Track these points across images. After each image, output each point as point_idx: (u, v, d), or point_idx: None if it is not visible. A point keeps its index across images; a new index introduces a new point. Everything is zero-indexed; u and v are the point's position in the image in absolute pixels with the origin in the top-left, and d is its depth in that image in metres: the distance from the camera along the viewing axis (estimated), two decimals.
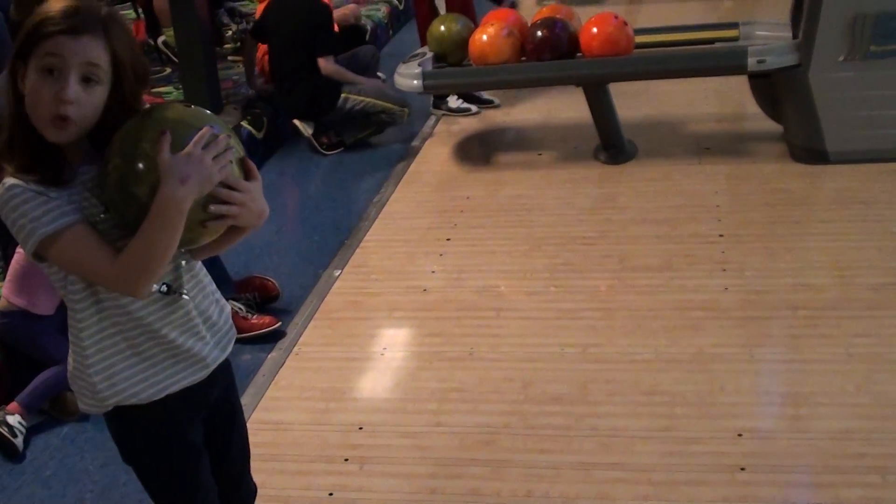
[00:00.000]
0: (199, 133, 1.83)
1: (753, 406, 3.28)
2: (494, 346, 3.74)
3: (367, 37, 7.25)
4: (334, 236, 4.77)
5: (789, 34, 5.16)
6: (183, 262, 1.99)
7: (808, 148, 5.03)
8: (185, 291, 1.99)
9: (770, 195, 4.75)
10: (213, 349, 2.09)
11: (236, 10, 7.69)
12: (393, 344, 3.91)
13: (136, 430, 2.08)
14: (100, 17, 1.85)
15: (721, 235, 4.37)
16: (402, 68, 5.43)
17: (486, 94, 6.40)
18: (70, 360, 2.04)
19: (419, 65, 5.32)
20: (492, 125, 6.18)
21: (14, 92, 1.86)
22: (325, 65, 5.81)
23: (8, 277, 3.66)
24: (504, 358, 3.66)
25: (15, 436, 3.37)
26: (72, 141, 1.86)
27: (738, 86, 5.70)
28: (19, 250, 3.58)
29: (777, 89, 5.16)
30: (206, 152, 1.82)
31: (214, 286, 2.14)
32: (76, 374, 2.03)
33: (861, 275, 3.97)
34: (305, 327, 4.00)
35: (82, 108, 1.83)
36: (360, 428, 3.34)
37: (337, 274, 4.39)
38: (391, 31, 8.31)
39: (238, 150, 1.93)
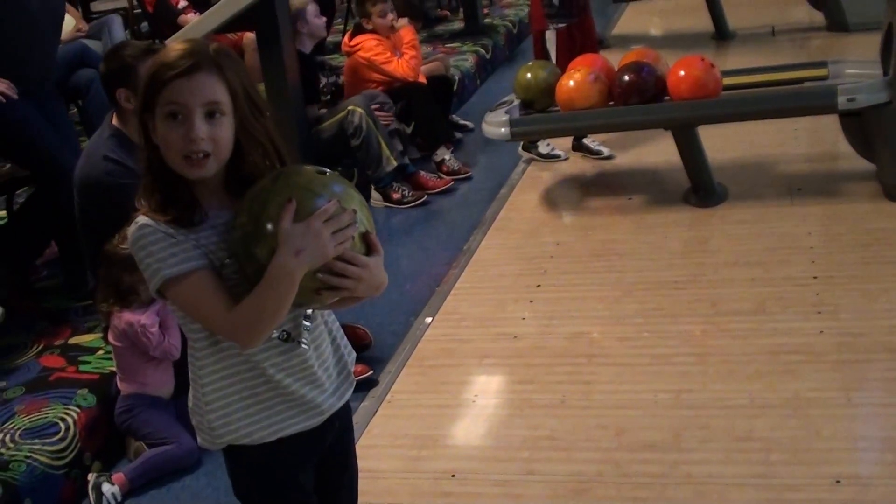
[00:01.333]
0: (324, 206, 1.89)
1: (851, 452, 3.22)
2: (586, 392, 3.73)
3: (455, 87, 7.32)
4: (425, 284, 4.80)
5: (879, 72, 5.10)
6: (308, 311, 2.04)
7: None
8: (304, 340, 2.03)
9: (864, 235, 4.68)
10: (329, 396, 2.13)
11: (326, 63, 7.81)
12: (484, 391, 3.92)
13: (248, 468, 2.14)
14: (210, 54, 1.94)
15: (815, 277, 4.32)
16: (489, 116, 5.47)
17: (596, 145, 6.29)
18: (190, 394, 2.12)
19: (506, 112, 5.35)
20: (580, 170, 6.17)
21: (147, 143, 1.95)
22: None
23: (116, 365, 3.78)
24: (596, 405, 3.65)
25: None
26: (212, 175, 1.96)
27: (828, 125, 5.62)
28: (115, 325, 3.67)
29: (868, 127, 5.09)
30: (326, 226, 1.88)
31: (341, 332, 2.19)
32: (195, 409, 2.10)
33: None
34: (398, 375, 4.03)
35: (215, 142, 1.92)
36: (453, 476, 3.35)
37: (428, 321, 4.42)
38: (479, 81, 8.38)
39: (364, 223, 1.97)
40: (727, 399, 3.56)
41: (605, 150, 6.22)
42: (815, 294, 4.19)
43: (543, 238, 5.21)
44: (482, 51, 8.59)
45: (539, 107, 5.44)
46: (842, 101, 4.91)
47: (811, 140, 6.08)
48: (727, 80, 5.26)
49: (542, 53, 6.05)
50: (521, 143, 6.31)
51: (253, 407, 2.04)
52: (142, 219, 1.94)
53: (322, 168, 2.00)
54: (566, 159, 6.31)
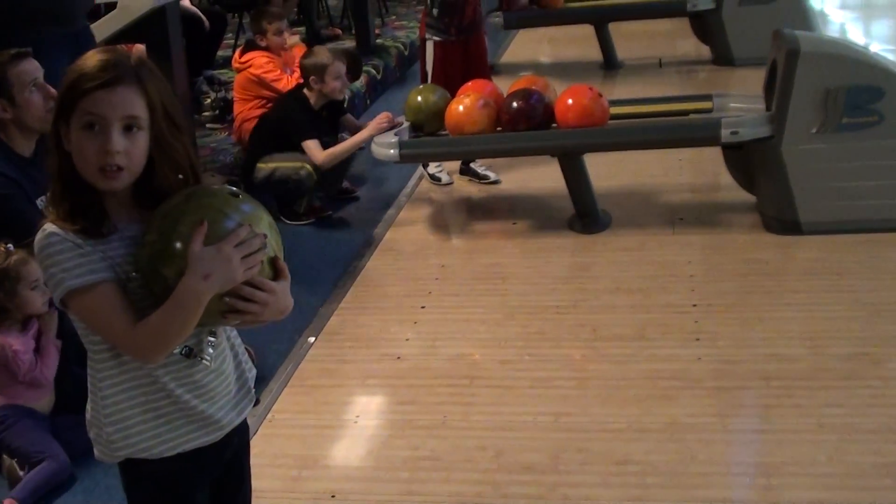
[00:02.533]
0: (236, 231, 1.89)
1: (725, 476, 3.27)
2: (467, 414, 3.73)
3: (345, 105, 7.30)
4: (310, 303, 4.76)
5: (762, 106, 5.23)
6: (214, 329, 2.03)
7: (780, 219, 5.07)
8: (206, 357, 2.02)
9: (743, 265, 4.79)
10: (229, 412, 2.10)
11: (215, 77, 7.75)
12: (366, 411, 3.90)
13: (145, 483, 2.10)
14: (132, 66, 1.91)
15: (694, 305, 4.40)
16: (379, 137, 5.47)
17: (483, 170, 6.31)
18: (88, 406, 2.06)
19: (396, 134, 5.36)
20: (467, 194, 6.20)
21: (58, 150, 1.92)
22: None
23: None
24: (477, 426, 3.66)
25: None
26: (124, 188, 1.93)
27: (712, 157, 5.74)
28: None
29: (750, 160, 5.21)
30: (236, 251, 1.88)
31: (243, 348, 2.17)
32: (93, 420, 2.05)
33: (833, 345, 3.99)
34: (279, 394, 3.98)
35: (129, 157, 1.89)
36: (333, 496, 3.32)
37: (312, 341, 4.39)
38: (369, 101, 8.37)
39: (273, 248, 1.97)
40: (606, 423, 3.59)
41: (492, 175, 6.25)
42: (693, 321, 4.26)
43: (429, 260, 5.22)
44: (373, 71, 8.59)
45: (429, 130, 5.46)
46: (725, 133, 5.02)
47: (694, 171, 6.19)
48: (614, 110, 5.35)
49: (423, 61, 6.10)
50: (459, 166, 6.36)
51: (152, 421, 2.01)
52: (49, 227, 1.90)
53: (234, 189, 2.00)
54: (449, 183, 6.32)
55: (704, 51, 9.24)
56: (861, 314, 4.21)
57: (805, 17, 8.51)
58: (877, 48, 9.40)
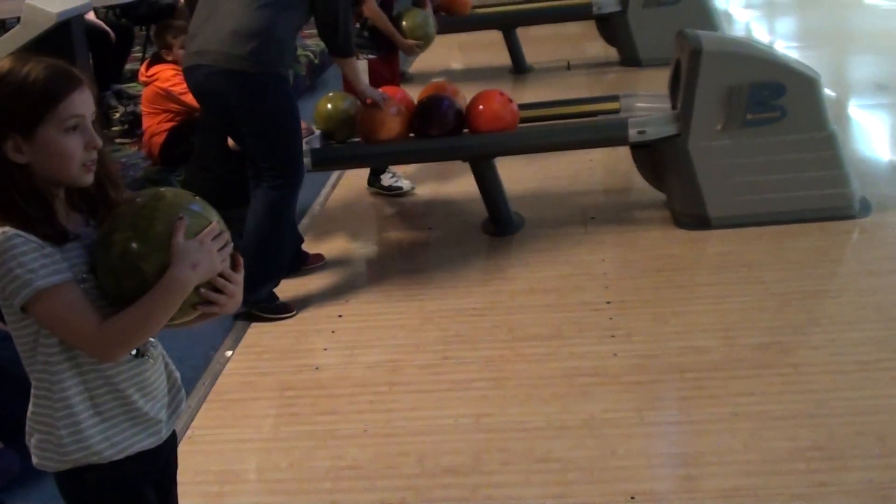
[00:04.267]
0: (210, 226, 1.98)
1: (645, 469, 3.31)
2: (388, 421, 3.74)
3: None
4: (224, 316, 4.71)
5: (668, 105, 5.31)
6: None
7: (690, 214, 5.16)
8: (150, 355, 2.10)
9: (655, 262, 4.86)
10: (168, 413, 2.17)
11: (124, 92, 7.65)
12: (286, 423, 3.88)
13: (93, 488, 2.10)
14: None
15: (609, 302, 4.45)
16: None
17: (396, 181, 6.28)
18: (32, 412, 2.05)
19: (306, 142, 5.35)
20: (380, 201, 6.20)
21: (8, 164, 1.91)
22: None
23: None
24: (398, 432, 3.66)
25: None
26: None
27: (621, 157, 5.81)
28: None
29: (658, 159, 5.29)
30: (214, 243, 1.98)
31: (165, 351, 2.22)
32: (38, 426, 2.04)
33: (745, 335, 4.06)
34: (198, 410, 3.95)
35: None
36: None
37: (229, 354, 4.36)
38: None
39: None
40: (525, 422, 3.62)
41: (406, 184, 6.25)
42: (608, 318, 4.31)
43: (345, 268, 5.21)
44: (311, 55, 8.54)
45: (340, 138, 5.45)
46: (632, 133, 5.11)
47: (605, 171, 6.28)
48: (524, 113, 5.40)
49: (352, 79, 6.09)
50: (367, 178, 6.31)
51: (101, 424, 2.03)
52: (8, 229, 1.89)
53: (191, 192, 2.10)
54: (412, 189, 6.28)
55: (612, 53, 9.37)
56: (771, 304, 4.30)
57: (709, 17, 8.68)
58: (781, 45, 9.61)
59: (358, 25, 6.07)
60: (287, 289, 4.91)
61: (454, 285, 4.82)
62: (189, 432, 3.79)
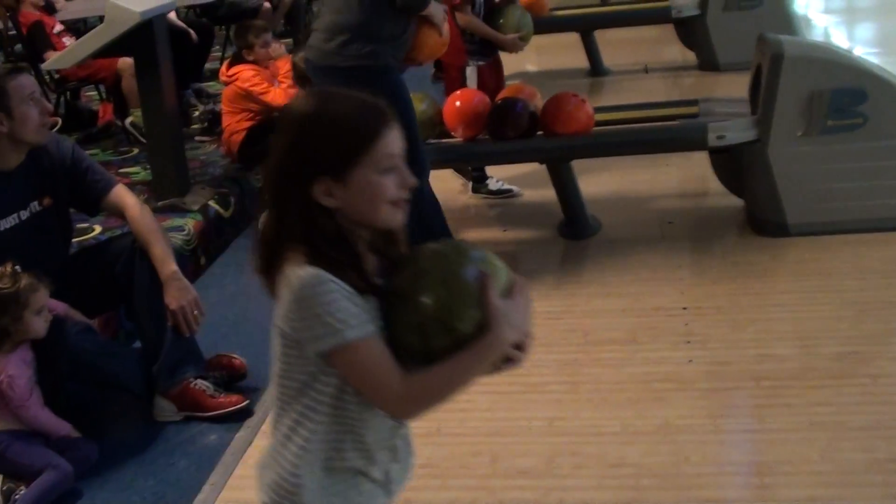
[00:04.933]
0: (519, 285, 1.86)
1: (719, 476, 3.30)
2: (462, 420, 3.75)
3: None
4: None
5: (748, 110, 5.28)
6: None
7: (768, 221, 5.11)
8: None
9: (732, 268, 4.82)
10: (401, 479, 2.03)
11: (203, 90, 7.78)
12: None
13: None
14: None
15: (685, 308, 4.43)
16: None
17: (499, 185, 6.22)
18: (272, 451, 1.95)
19: None
20: (455, 201, 6.21)
21: (312, 208, 1.82)
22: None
23: None
24: (472, 433, 3.68)
25: None
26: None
27: (699, 161, 5.78)
28: None
29: (737, 164, 5.25)
30: (524, 301, 1.86)
31: None
32: (278, 467, 1.92)
33: (822, 344, 4.03)
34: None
35: None
36: None
37: None
38: None
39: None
40: (599, 426, 3.62)
41: (514, 188, 6.19)
42: (684, 324, 4.29)
43: None
44: None
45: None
46: (712, 138, 5.08)
47: (682, 176, 6.24)
48: (601, 116, 5.38)
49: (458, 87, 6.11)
50: (471, 184, 6.29)
51: (338, 483, 1.92)
52: (322, 272, 1.78)
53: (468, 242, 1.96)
54: (521, 194, 6.19)
55: (690, 56, 9.29)
56: (849, 314, 4.25)
57: (789, 22, 8.58)
58: (860, 51, 9.47)
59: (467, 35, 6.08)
60: None
61: (530, 288, 4.80)
62: (264, 427, 3.81)
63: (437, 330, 1.79)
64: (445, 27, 4.71)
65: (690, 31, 9.17)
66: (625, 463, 3.39)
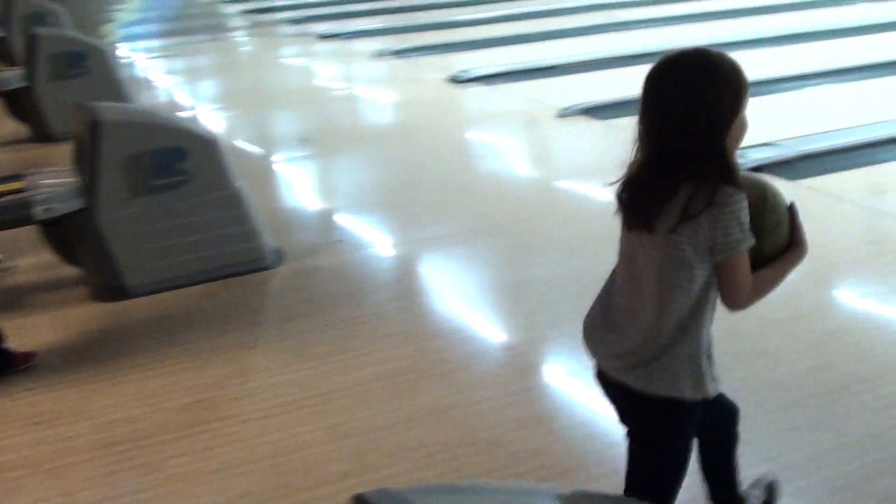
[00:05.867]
0: (799, 219, 2.46)
1: None
2: None
3: None
4: None
5: (74, 179, 5.25)
6: None
7: (108, 286, 5.14)
8: None
9: (80, 339, 4.79)
10: None
11: None
12: None
13: (686, 425, 2.49)
14: None
15: (30, 389, 4.30)
16: None
17: None
18: (683, 347, 2.39)
19: None
20: None
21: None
22: None
23: None
24: None
25: None
26: None
27: (31, 236, 5.64)
28: None
29: (70, 234, 5.21)
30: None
31: None
32: (684, 361, 2.39)
33: (169, 399, 4.12)
34: None
35: None
36: None
37: None
38: None
39: None
40: None
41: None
42: (31, 405, 4.17)
43: None
44: None
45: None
46: (39, 211, 5.00)
47: (15, 253, 6.00)
48: None
49: None
50: None
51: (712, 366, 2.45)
52: (737, 190, 2.26)
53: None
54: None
55: (23, 129, 9.09)
56: (193, 364, 4.40)
57: (117, 88, 8.70)
58: (207, 108, 9.87)
59: None
60: None
61: None
62: None
63: (770, 245, 2.40)
64: None
65: (21, 103, 8.99)
66: None
